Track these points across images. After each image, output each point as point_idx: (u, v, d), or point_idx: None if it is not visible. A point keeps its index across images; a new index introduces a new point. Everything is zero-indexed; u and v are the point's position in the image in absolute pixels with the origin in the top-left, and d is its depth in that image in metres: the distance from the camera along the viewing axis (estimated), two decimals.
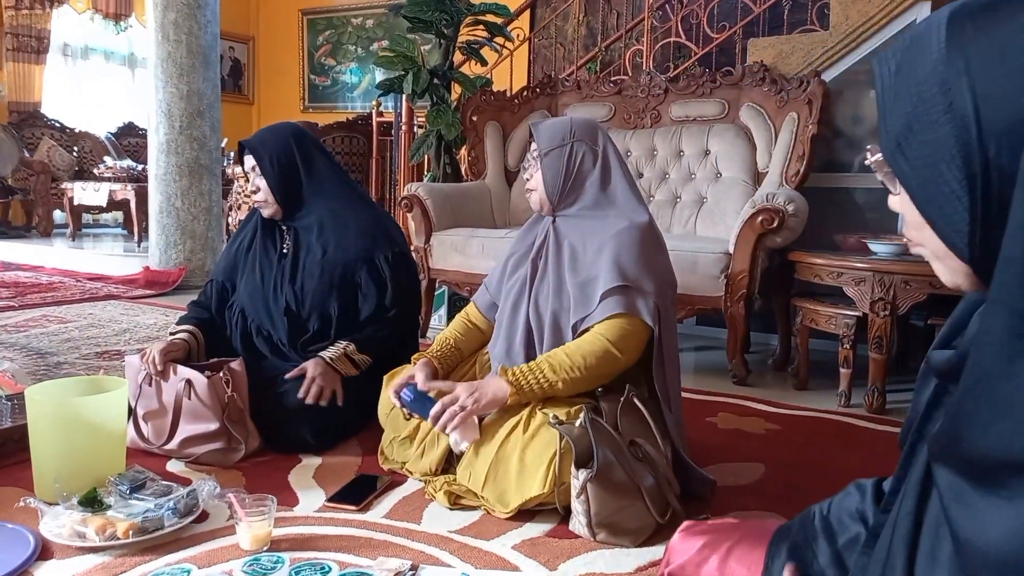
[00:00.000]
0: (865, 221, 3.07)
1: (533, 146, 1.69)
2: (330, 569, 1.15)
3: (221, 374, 1.76)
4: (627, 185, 1.66)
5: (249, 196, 5.62)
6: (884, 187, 2.44)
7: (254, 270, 1.99)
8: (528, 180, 1.69)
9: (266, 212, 1.97)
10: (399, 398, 1.62)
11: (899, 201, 0.58)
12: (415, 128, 4.21)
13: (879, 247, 2.37)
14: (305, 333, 1.93)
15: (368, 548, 1.34)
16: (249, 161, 1.96)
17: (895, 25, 2.98)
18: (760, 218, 2.45)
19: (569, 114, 3.45)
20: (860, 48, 3.08)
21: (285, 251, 1.99)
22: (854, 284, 2.29)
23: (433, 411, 1.52)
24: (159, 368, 1.77)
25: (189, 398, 1.75)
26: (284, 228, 2.01)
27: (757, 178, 2.96)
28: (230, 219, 5.67)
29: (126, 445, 1.62)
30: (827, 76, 3.05)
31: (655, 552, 1.35)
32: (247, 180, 2.01)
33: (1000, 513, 0.46)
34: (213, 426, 1.73)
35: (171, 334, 1.94)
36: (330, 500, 1.54)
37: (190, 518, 1.40)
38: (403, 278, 1.98)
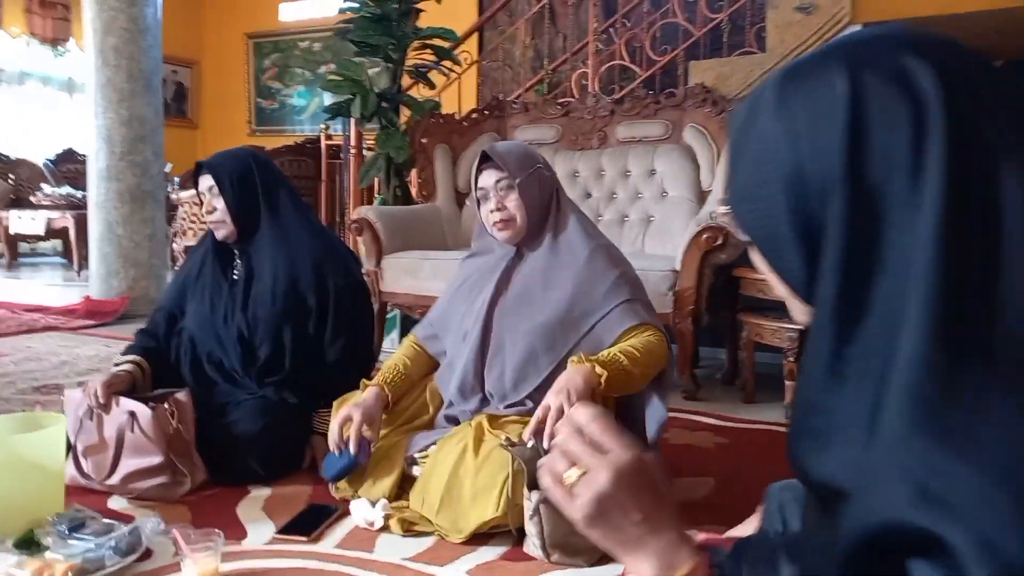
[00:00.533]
0: None
1: (491, 176, 1.62)
2: None
3: (166, 405, 1.72)
4: (575, 210, 1.70)
5: (196, 220, 5.52)
6: None
7: (203, 296, 1.94)
8: (497, 211, 1.61)
9: (220, 233, 1.93)
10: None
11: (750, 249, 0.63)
12: (364, 151, 4.20)
13: None
14: (258, 360, 1.89)
15: None
16: (207, 181, 1.92)
17: None
18: (705, 236, 2.51)
19: (518, 137, 3.49)
20: None
21: (236, 276, 1.96)
22: None
23: (531, 427, 1.39)
24: (102, 402, 1.71)
25: (132, 431, 1.69)
26: (237, 252, 1.97)
27: (701, 196, 3.02)
28: (175, 245, 5.55)
29: (65, 483, 1.56)
30: None
31: (611, 571, 1.35)
32: (200, 203, 1.98)
33: (828, 532, 0.52)
34: (157, 460, 1.68)
35: (115, 365, 1.88)
36: (280, 532, 1.50)
37: (133, 556, 1.35)
38: (355, 306, 1.96)
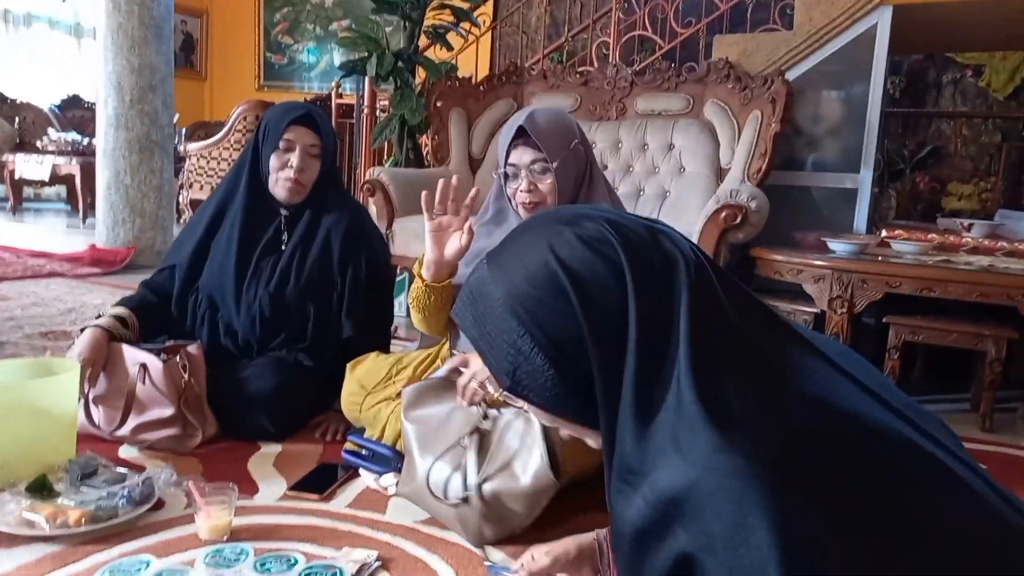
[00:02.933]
0: (822, 219, 3.13)
1: (526, 154, 1.51)
2: (296, 561, 1.12)
3: (178, 358, 1.70)
4: (603, 179, 1.63)
5: (204, 173, 5.45)
6: (840, 188, 2.48)
7: (227, 260, 1.86)
8: (528, 192, 1.52)
9: (290, 196, 1.84)
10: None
11: (526, 405, 0.77)
12: (377, 112, 4.14)
13: (838, 246, 2.42)
14: (277, 337, 1.85)
15: (332, 539, 1.31)
16: (308, 137, 1.83)
17: (858, 27, 3.04)
18: (724, 214, 2.48)
19: (534, 103, 3.43)
20: (823, 49, 3.13)
21: (283, 243, 1.89)
22: (813, 281, 2.34)
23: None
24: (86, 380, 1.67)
25: (144, 383, 1.68)
26: (283, 219, 1.90)
27: (720, 174, 2.99)
28: (181, 198, 5.51)
29: (76, 430, 1.56)
30: (790, 75, 3.09)
31: None
32: (289, 151, 1.81)
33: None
34: (168, 412, 1.67)
35: (98, 316, 1.81)
36: (291, 489, 1.50)
37: (145, 506, 1.35)
38: (375, 286, 1.94)
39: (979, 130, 5.61)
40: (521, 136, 1.53)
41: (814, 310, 2.36)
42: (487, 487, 1.32)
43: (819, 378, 0.72)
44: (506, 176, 1.58)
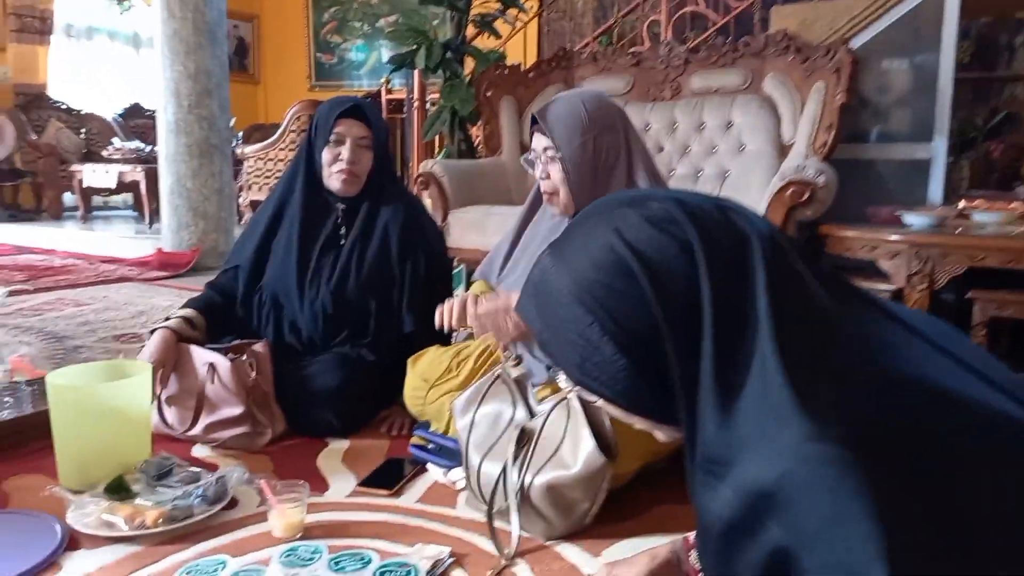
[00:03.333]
0: (892, 193, 2.99)
1: (540, 140, 1.50)
2: (370, 559, 1.11)
3: (244, 357, 1.72)
4: (648, 173, 1.54)
5: (262, 175, 5.55)
6: (912, 159, 2.35)
7: (288, 259, 1.87)
8: (544, 180, 1.51)
9: (346, 188, 1.84)
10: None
11: (598, 400, 0.74)
12: (427, 105, 4.13)
13: (914, 219, 2.30)
14: (341, 333, 1.86)
15: (404, 535, 1.30)
16: (356, 128, 1.82)
17: None
18: (790, 191, 2.39)
19: (585, 87, 3.37)
20: (888, 15, 2.99)
21: (341, 238, 1.89)
22: (889, 257, 2.23)
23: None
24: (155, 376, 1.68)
25: (212, 382, 1.70)
26: (341, 212, 1.90)
27: (782, 150, 2.88)
28: (240, 200, 5.62)
29: (151, 431, 1.58)
30: (852, 44, 2.96)
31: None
32: (340, 143, 1.82)
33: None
34: (237, 410, 1.69)
35: (166, 319, 1.83)
36: (361, 485, 1.50)
37: (219, 505, 1.36)
38: (440, 275, 1.93)
39: None
40: (536, 123, 1.52)
41: (889, 288, 2.25)
42: (538, 480, 1.28)
43: (914, 356, 0.66)
44: (530, 163, 1.56)
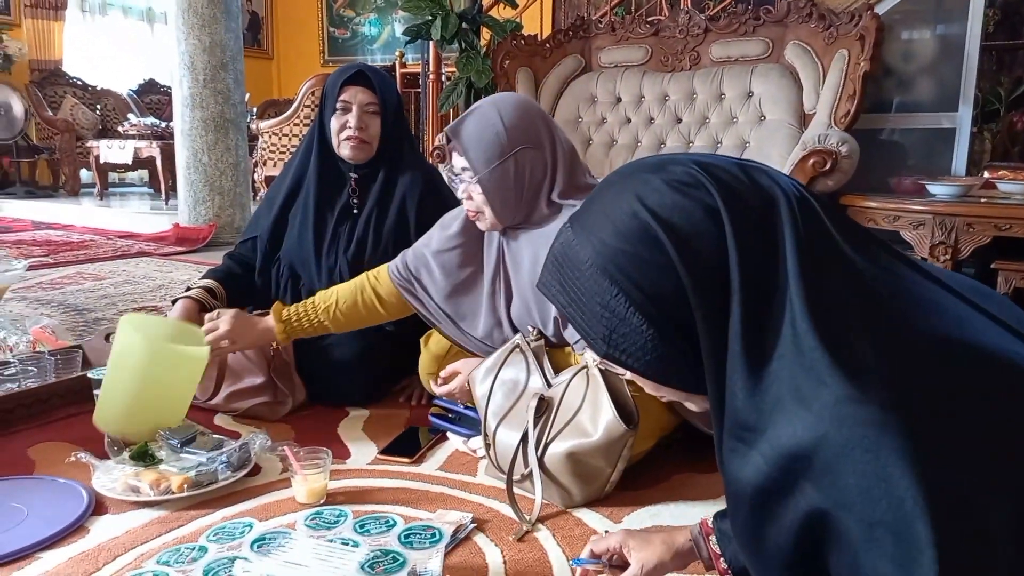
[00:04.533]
0: (915, 163, 2.94)
1: (457, 160, 1.40)
2: (395, 523, 1.12)
3: None
4: (570, 187, 1.42)
5: (276, 150, 5.55)
6: (934, 128, 2.31)
7: (306, 228, 1.87)
8: (466, 200, 1.42)
9: (357, 154, 1.83)
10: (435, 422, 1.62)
11: (627, 372, 0.73)
12: (443, 78, 4.10)
13: (938, 188, 2.27)
14: None
15: (426, 501, 1.31)
16: (364, 96, 1.81)
17: None
18: (812, 160, 2.35)
19: (603, 61, 3.33)
20: None
21: (354, 207, 1.88)
22: (912, 228, 2.20)
23: None
24: None
25: (234, 352, 1.71)
26: (354, 180, 1.88)
27: (803, 120, 2.83)
28: (256, 175, 5.62)
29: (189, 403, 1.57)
30: (878, 10, 2.90)
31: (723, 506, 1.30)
32: (346, 111, 1.80)
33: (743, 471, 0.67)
34: (259, 380, 1.70)
35: (187, 289, 1.84)
36: (383, 452, 1.51)
37: (243, 471, 1.37)
38: None
39: None
40: (450, 140, 1.41)
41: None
42: (559, 448, 1.28)
43: (950, 314, 0.65)
44: (451, 180, 1.46)
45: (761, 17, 3.01)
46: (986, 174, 2.58)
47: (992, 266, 2.16)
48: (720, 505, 1.30)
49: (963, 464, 0.55)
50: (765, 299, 0.64)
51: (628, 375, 0.74)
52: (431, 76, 4.05)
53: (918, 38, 3.00)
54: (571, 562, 1.01)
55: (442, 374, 1.58)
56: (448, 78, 4.04)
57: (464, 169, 1.40)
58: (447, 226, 1.57)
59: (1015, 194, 2.26)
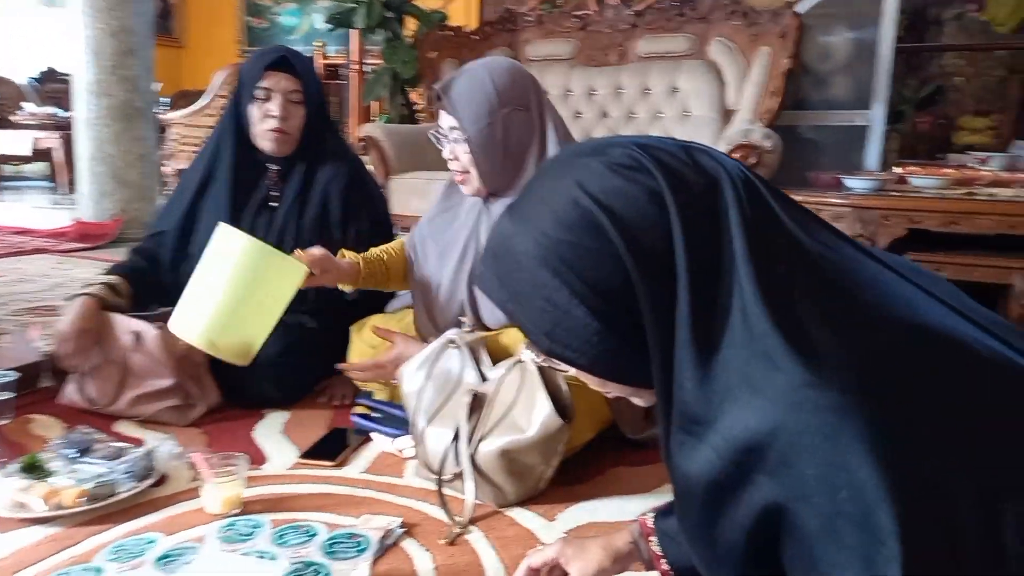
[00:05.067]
0: (830, 159, 3.03)
1: (445, 119, 1.39)
2: (317, 532, 1.04)
3: None
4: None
5: (188, 142, 5.30)
6: (848, 125, 2.35)
7: (221, 219, 1.72)
8: (451, 161, 1.41)
9: (279, 147, 1.73)
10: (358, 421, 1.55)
11: (571, 369, 0.68)
12: (366, 70, 3.99)
13: (856, 183, 2.32)
14: None
15: (351, 506, 1.23)
16: (285, 82, 1.69)
17: None
18: (737, 155, 2.37)
19: (530, 54, 3.29)
20: None
21: (273, 200, 1.77)
22: (832, 221, 2.24)
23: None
24: (71, 351, 1.56)
25: (138, 353, 1.58)
26: (276, 171, 1.77)
27: (726, 116, 2.88)
28: (165, 168, 5.35)
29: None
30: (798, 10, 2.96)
31: (660, 499, 1.27)
32: (268, 99, 1.70)
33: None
34: (166, 382, 1.58)
35: (87, 286, 1.68)
36: (303, 456, 1.42)
37: (148, 482, 1.26)
38: (384, 240, 1.83)
39: (984, 65, 5.47)
40: (441, 99, 1.40)
41: None
42: (491, 445, 1.23)
43: (899, 294, 0.63)
44: (437, 139, 1.45)
45: (686, 14, 3.04)
46: (898, 170, 2.66)
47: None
48: (657, 498, 1.27)
49: (925, 448, 0.52)
50: (713, 284, 0.60)
51: (572, 371, 0.69)
52: (354, 67, 3.93)
53: (834, 39, 3.09)
54: None
55: (376, 332, 1.51)
56: (372, 70, 3.93)
57: (452, 128, 1.38)
58: (442, 192, 1.56)
59: (926, 188, 2.34)
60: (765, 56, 2.77)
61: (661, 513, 0.93)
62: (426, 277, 1.57)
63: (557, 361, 0.68)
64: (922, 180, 2.40)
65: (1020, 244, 2.15)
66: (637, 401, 0.71)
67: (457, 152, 1.40)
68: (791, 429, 0.53)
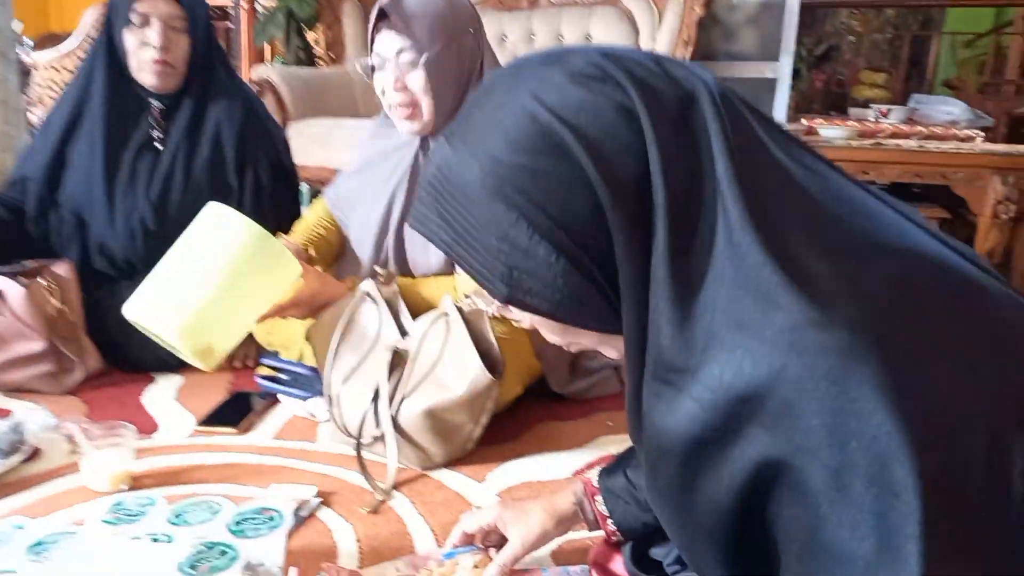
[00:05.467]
0: None
1: (392, 41, 1.21)
2: (221, 508, 0.91)
3: (42, 280, 1.41)
4: None
5: (55, 87, 4.82)
6: (757, 77, 2.33)
7: (93, 166, 1.55)
8: (398, 92, 1.23)
9: (162, 80, 1.53)
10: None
11: (530, 319, 0.60)
12: (257, 7, 3.69)
13: None
14: (165, 250, 1.56)
15: (258, 476, 1.11)
16: (169, 7, 1.50)
17: None
18: None
19: None
20: None
21: (156, 141, 1.58)
22: None
23: None
24: None
25: (2, 314, 1.38)
26: (159, 110, 1.58)
27: None
28: (31, 116, 4.85)
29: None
30: None
31: (594, 454, 1.22)
32: (145, 25, 1.49)
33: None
34: (36, 346, 1.39)
35: None
36: (201, 423, 1.28)
37: (17, 457, 1.10)
38: (278, 192, 1.67)
39: (874, 24, 5.67)
40: (385, 18, 1.23)
41: None
42: (415, 405, 1.14)
43: (891, 223, 0.56)
44: (373, 70, 1.27)
45: None
46: (806, 122, 2.70)
47: None
48: (590, 453, 1.22)
49: (939, 390, 0.46)
50: (694, 213, 0.52)
51: (529, 321, 0.60)
52: (244, 5, 3.63)
53: None
54: (442, 557, 0.88)
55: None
56: (265, 9, 3.64)
57: (402, 51, 1.21)
58: (367, 140, 1.41)
59: (836, 139, 2.37)
60: (678, 4, 2.72)
61: (605, 471, 0.87)
62: (354, 235, 1.43)
63: (516, 310, 0.59)
64: (830, 131, 2.44)
65: (922, 195, 2.23)
66: (607, 351, 0.62)
67: (408, 80, 1.23)
68: (793, 374, 0.46)
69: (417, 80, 1.22)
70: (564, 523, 0.86)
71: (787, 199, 0.54)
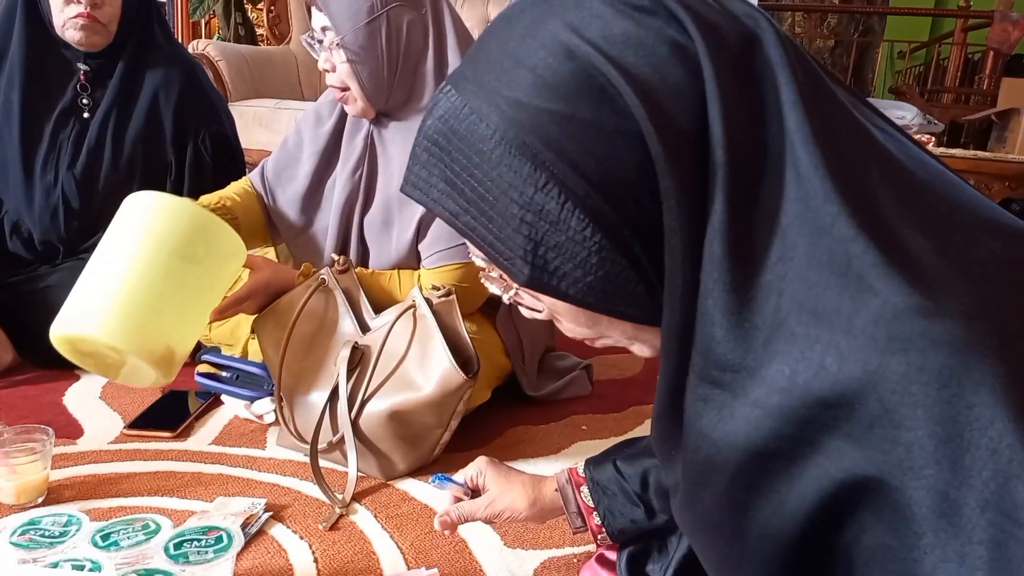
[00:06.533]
0: None
1: (318, 18, 1.14)
2: (158, 527, 0.78)
3: None
4: None
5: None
6: None
7: (10, 131, 1.39)
8: (329, 73, 1.16)
9: (90, 37, 1.38)
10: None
11: (551, 307, 0.51)
12: None
13: None
14: (91, 232, 1.39)
15: (198, 487, 0.98)
16: None
17: None
18: None
19: None
20: None
21: (84, 108, 1.42)
22: None
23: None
24: None
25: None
26: (86, 73, 1.42)
27: None
28: None
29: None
30: None
31: (570, 462, 1.13)
32: None
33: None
34: None
35: None
36: (131, 426, 1.14)
37: None
38: (232, 164, 1.53)
39: (816, 34, 5.78)
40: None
41: None
42: (378, 407, 1.03)
43: (975, 195, 0.49)
44: (311, 45, 1.18)
45: None
46: None
47: None
48: (567, 461, 1.13)
49: None
50: (758, 175, 0.43)
51: (547, 311, 0.51)
52: None
53: None
54: (431, 478, 0.83)
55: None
56: None
57: (325, 29, 1.12)
58: (322, 116, 1.27)
59: None
60: None
61: (592, 460, 0.80)
62: (296, 224, 1.30)
63: (538, 295, 0.49)
64: None
65: None
66: (636, 349, 0.53)
67: (334, 61, 1.13)
68: (894, 375, 0.38)
69: (342, 63, 1.13)
70: (542, 511, 0.80)
71: (872, 163, 0.45)
